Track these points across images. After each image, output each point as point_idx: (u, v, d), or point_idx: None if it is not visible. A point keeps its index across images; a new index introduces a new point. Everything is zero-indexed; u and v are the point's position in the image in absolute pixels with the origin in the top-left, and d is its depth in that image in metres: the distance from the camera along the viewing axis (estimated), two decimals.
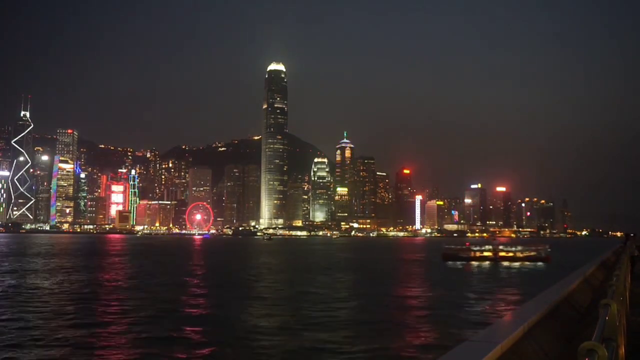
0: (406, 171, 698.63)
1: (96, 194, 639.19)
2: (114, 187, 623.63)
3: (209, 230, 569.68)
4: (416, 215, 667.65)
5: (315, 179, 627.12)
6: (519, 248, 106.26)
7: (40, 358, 23.92)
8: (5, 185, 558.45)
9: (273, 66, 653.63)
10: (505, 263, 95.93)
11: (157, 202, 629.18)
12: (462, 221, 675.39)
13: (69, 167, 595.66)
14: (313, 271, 78.74)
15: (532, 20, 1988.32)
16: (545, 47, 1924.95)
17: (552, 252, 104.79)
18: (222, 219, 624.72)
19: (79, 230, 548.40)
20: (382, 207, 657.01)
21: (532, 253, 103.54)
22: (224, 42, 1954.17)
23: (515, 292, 52.13)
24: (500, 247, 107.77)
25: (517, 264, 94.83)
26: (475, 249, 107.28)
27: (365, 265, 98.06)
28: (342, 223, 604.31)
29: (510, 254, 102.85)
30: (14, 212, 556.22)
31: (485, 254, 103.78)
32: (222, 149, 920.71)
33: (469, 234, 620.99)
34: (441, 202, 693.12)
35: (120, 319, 33.84)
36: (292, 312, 37.70)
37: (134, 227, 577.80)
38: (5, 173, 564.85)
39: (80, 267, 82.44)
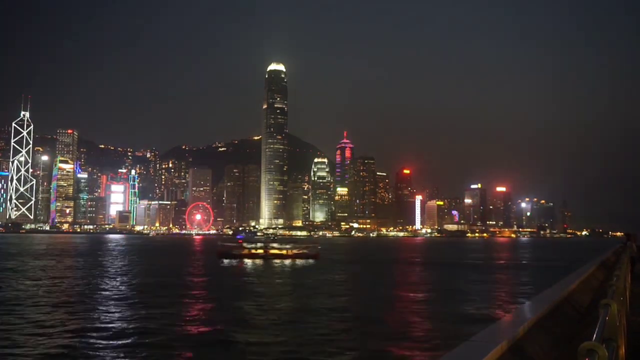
0: (406, 171, 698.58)
1: (96, 194, 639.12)
2: (114, 187, 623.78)
3: (208, 230, 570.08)
4: (416, 215, 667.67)
5: (315, 179, 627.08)
6: (289, 246, 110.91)
7: None
8: (5, 185, 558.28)
9: (273, 66, 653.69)
10: (277, 261, 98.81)
11: (157, 202, 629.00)
12: (462, 221, 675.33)
13: (69, 167, 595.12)
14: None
15: (532, 21, 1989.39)
16: (546, 47, 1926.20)
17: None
18: (222, 219, 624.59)
19: (79, 230, 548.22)
20: (382, 207, 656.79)
21: (303, 251, 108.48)
22: (224, 42, 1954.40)
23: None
24: (272, 244, 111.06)
25: (288, 261, 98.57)
26: (247, 246, 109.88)
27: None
28: (342, 223, 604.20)
29: (284, 252, 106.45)
30: (14, 212, 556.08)
31: (257, 251, 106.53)
32: (222, 149, 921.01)
33: (469, 234, 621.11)
34: (441, 202, 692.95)
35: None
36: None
37: (133, 227, 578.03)
38: (5, 173, 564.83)
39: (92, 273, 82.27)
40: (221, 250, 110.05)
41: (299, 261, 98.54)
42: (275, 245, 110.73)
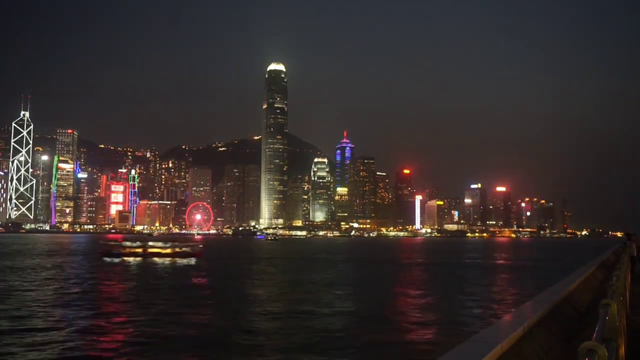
0: (406, 171, 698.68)
1: (96, 194, 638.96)
2: (114, 187, 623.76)
3: (208, 230, 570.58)
4: (416, 215, 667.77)
5: (315, 179, 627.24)
6: (169, 244, 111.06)
7: None
8: (5, 185, 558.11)
9: (273, 66, 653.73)
10: (157, 259, 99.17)
11: (157, 202, 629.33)
12: (462, 221, 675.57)
13: (69, 167, 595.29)
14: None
15: (532, 21, 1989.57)
16: (546, 47, 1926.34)
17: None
18: (222, 219, 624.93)
19: (79, 230, 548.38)
20: (382, 207, 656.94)
21: (183, 249, 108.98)
22: (224, 42, 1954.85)
23: None
24: (150, 243, 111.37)
25: (168, 259, 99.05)
26: (126, 244, 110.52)
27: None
28: (342, 223, 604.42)
29: (166, 250, 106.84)
30: (14, 212, 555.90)
31: (136, 250, 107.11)
32: (222, 149, 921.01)
33: (469, 234, 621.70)
34: (441, 202, 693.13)
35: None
36: None
37: (133, 227, 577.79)
38: (5, 173, 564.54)
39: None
40: (103, 249, 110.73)
41: (179, 260, 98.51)
42: (154, 243, 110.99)
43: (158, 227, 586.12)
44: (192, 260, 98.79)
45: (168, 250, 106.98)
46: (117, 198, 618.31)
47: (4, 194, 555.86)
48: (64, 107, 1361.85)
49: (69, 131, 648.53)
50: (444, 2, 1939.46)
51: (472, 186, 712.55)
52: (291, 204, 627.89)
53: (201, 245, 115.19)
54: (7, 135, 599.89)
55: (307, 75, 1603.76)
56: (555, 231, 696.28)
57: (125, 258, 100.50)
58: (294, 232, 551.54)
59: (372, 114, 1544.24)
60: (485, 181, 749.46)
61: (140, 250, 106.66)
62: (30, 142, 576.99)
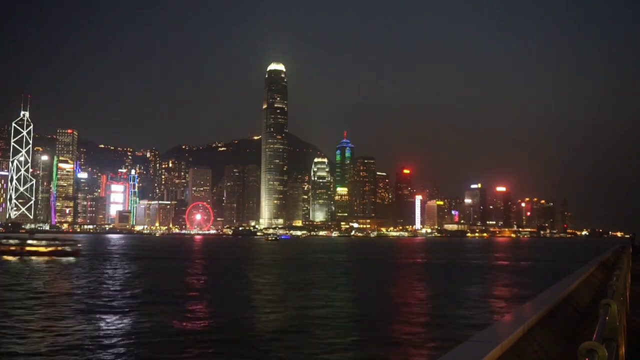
0: (406, 171, 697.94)
1: (96, 194, 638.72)
2: (114, 187, 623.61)
3: (208, 230, 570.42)
4: (416, 215, 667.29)
5: (315, 179, 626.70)
6: (44, 243, 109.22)
7: None
8: (5, 185, 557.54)
9: (273, 66, 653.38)
10: (35, 257, 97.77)
11: (157, 202, 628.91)
12: (462, 221, 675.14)
13: (69, 167, 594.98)
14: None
15: (533, 21, 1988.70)
16: (547, 47, 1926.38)
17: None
18: (222, 219, 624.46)
19: (78, 230, 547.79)
20: (382, 207, 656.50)
21: (60, 248, 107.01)
22: (224, 42, 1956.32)
23: None
24: (29, 242, 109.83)
25: (45, 258, 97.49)
26: (5, 243, 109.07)
27: None
28: (342, 223, 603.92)
29: (44, 249, 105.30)
30: (14, 212, 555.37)
31: (13, 248, 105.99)
32: (222, 149, 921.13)
33: (469, 234, 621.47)
34: (441, 202, 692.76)
35: None
36: None
37: (133, 227, 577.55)
38: (5, 173, 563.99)
39: None
40: None
41: (58, 259, 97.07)
42: (33, 242, 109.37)
43: (158, 227, 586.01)
44: (71, 259, 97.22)
45: (47, 249, 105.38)
46: (117, 198, 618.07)
47: (4, 194, 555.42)
48: (64, 107, 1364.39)
49: (69, 131, 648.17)
50: (444, 2, 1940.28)
51: (472, 186, 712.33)
52: (291, 204, 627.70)
53: (80, 244, 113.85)
54: (7, 135, 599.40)
55: (307, 75, 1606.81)
56: (555, 231, 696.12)
57: (4, 257, 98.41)
58: (293, 232, 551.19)
59: (372, 114, 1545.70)
60: (485, 181, 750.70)
61: (17, 248, 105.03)
62: (30, 142, 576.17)
